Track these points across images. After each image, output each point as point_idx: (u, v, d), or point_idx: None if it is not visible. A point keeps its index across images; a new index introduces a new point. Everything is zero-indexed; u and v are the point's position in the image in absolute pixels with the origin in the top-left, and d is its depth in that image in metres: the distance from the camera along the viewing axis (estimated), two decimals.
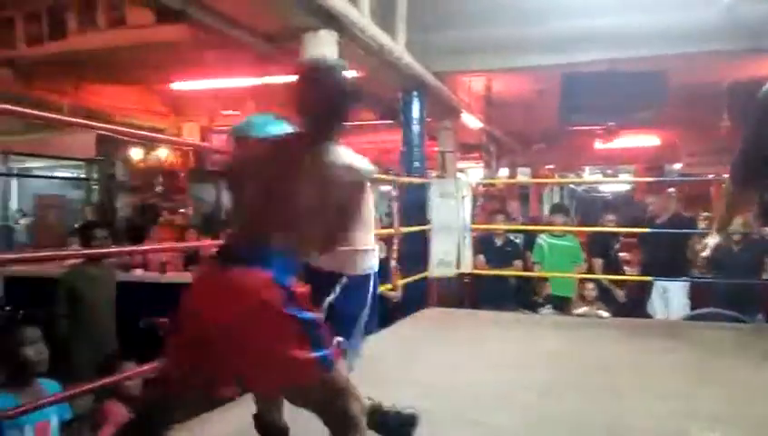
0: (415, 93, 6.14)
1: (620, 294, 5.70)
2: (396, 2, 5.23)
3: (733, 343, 4.10)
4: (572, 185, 15.34)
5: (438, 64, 6.16)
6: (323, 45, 3.95)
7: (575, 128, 8.77)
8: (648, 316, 5.54)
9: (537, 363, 3.53)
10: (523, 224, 7.19)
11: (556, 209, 6.57)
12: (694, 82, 6.81)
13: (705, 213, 7.04)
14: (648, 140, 11.30)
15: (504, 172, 12.55)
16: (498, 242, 5.98)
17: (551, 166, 13.26)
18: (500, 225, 6.02)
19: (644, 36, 5.64)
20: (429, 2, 5.62)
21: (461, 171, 11.38)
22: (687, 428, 2.53)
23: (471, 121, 8.54)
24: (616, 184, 16.90)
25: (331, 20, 3.99)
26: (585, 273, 5.73)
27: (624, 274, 6.04)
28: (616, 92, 6.01)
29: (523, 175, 13.24)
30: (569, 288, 5.69)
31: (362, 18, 4.37)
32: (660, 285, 5.53)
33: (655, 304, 5.64)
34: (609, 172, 15.17)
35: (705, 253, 2.54)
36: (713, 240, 2.44)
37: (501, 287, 5.80)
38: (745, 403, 2.79)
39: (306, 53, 3.96)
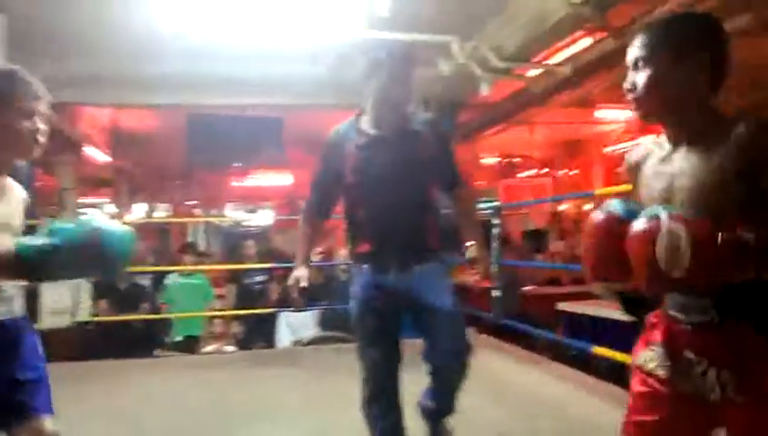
0: None
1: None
2: None
3: (338, 363, 4.63)
4: (218, 221, 15.51)
5: (51, 95, 5.57)
6: None
7: (209, 166, 8.94)
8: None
9: (155, 408, 3.44)
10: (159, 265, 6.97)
11: (184, 248, 6.53)
12: (310, 129, 7.63)
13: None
14: (282, 178, 12.13)
15: (142, 208, 12.04)
16: (122, 285, 5.66)
17: (192, 202, 13.21)
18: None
19: (265, 85, 6.01)
20: (41, 29, 5.09)
21: (94, 206, 10.52)
22: None
23: (98, 155, 7.99)
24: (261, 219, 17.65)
25: None
26: (216, 309, 5.82)
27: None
28: (238, 134, 6.34)
29: (161, 212, 12.90)
30: (198, 327, 5.70)
31: None
32: (285, 315, 5.93)
33: (282, 334, 6.02)
34: (251, 208, 15.86)
35: (303, 284, 2.63)
36: (300, 273, 2.56)
37: (128, 332, 5.48)
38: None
39: None
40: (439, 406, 2.44)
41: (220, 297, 6.20)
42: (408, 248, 2.20)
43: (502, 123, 7.60)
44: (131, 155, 9.22)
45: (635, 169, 1.35)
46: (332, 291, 5.71)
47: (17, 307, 1.69)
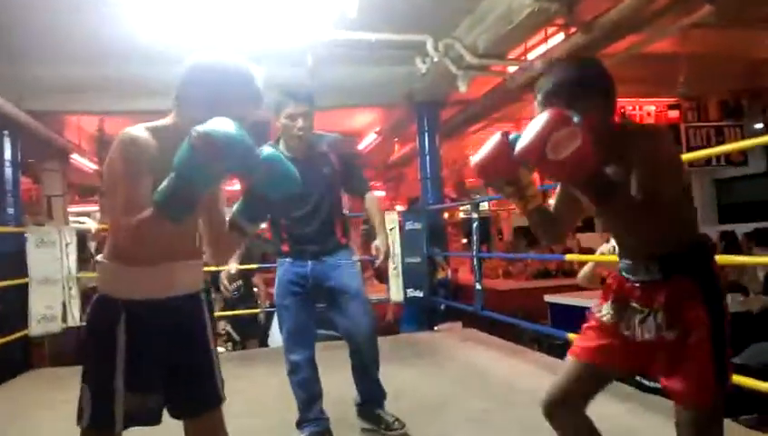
0: (5, 132, 5.52)
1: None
2: None
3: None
4: None
5: (32, 103, 5.64)
6: None
7: None
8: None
9: None
10: None
11: None
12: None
13: None
14: None
15: None
16: None
17: None
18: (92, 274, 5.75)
19: None
20: (18, 36, 5.15)
21: (86, 215, 10.60)
22: None
23: (86, 162, 8.06)
24: None
25: None
26: None
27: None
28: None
29: None
30: None
31: None
32: None
33: (277, 335, 6.07)
34: None
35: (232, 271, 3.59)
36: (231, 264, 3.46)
37: None
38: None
39: None
40: (367, 389, 2.91)
41: None
42: (320, 245, 2.82)
43: (484, 121, 7.67)
44: None
45: None
46: None
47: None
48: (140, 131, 1.48)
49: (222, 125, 1.36)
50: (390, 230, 6.03)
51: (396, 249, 5.95)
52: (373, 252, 2.93)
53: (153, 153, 1.46)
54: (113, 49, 4.92)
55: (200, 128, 1.34)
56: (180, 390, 1.59)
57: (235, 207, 1.59)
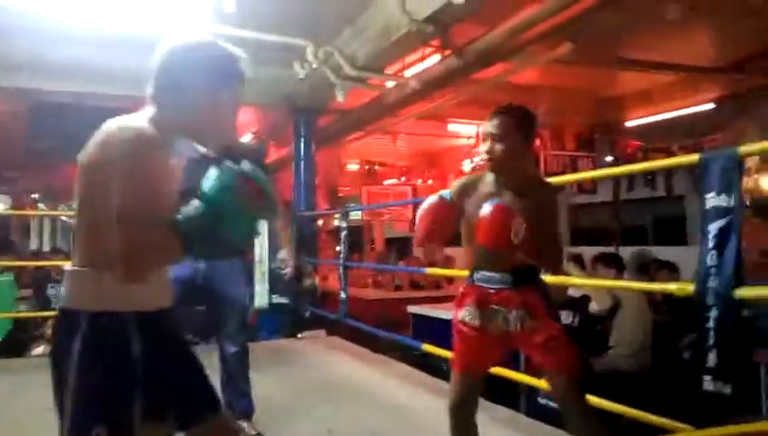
0: None
1: None
2: None
3: None
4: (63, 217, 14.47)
5: None
6: None
7: (53, 156, 8.31)
8: None
9: None
10: None
11: None
12: None
13: None
14: None
15: None
16: None
17: (36, 195, 12.24)
18: None
19: (110, 74, 5.70)
20: None
21: None
22: None
23: None
24: None
25: None
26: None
27: None
28: (82, 124, 5.96)
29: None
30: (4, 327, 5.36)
31: None
32: None
33: None
34: None
35: None
36: None
37: None
38: None
39: None
40: (230, 398, 2.81)
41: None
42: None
43: (360, 131, 7.79)
44: None
45: (462, 192, 2.07)
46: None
47: None
48: (149, 128, 1.31)
49: (257, 172, 1.29)
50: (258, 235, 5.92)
51: (263, 253, 5.86)
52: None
53: (163, 157, 1.32)
54: None
55: (244, 169, 1.26)
56: (185, 399, 1.43)
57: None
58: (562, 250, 2.15)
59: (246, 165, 1.30)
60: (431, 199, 2.05)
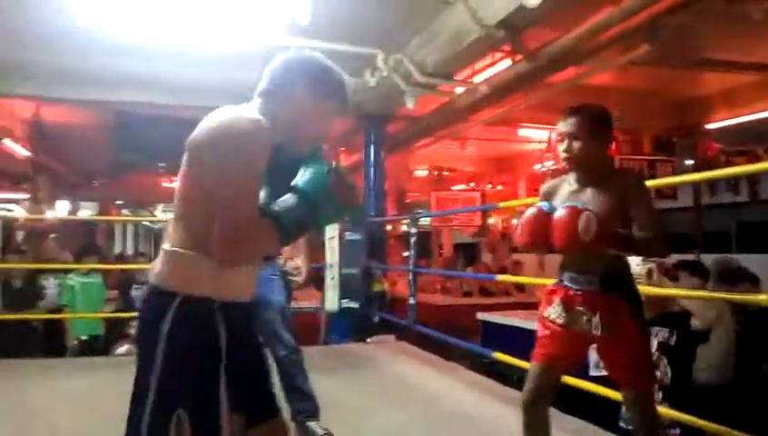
0: None
1: None
2: None
3: None
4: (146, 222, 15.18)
5: None
6: None
7: (137, 166, 8.77)
8: None
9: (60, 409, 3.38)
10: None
11: (84, 251, 6.25)
12: None
13: None
14: None
15: (65, 205, 11.66)
16: (18, 283, 5.43)
17: (120, 202, 12.90)
18: (14, 264, 5.50)
19: (185, 87, 5.92)
20: None
21: (11, 202, 10.16)
22: None
23: (16, 149, 7.73)
24: None
25: None
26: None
27: None
28: (167, 135, 6.26)
29: (87, 210, 12.52)
30: (98, 327, 5.62)
31: None
32: None
33: None
34: None
35: None
36: None
37: (25, 333, 5.27)
38: None
39: None
40: (289, 400, 2.81)
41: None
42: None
43: (429, 137, 7.80)
44: (55, 151, 8.95)
45: (547, 195, 2.13)
46: None
47: None
48: (264, 121, 1.31)
49: (345, 170, 1.38)
50: (330, 239, 6.03)
51: (334, 258, 5.95)
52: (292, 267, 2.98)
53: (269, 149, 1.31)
54: (54, 35, 4.77)
55: (338, 168, 1.35)
56: (256, 396, 1.43)
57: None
58: (666, 232, 2.05)
59: (337, 164, 1.37)
60: (531, 210, 2.07)
